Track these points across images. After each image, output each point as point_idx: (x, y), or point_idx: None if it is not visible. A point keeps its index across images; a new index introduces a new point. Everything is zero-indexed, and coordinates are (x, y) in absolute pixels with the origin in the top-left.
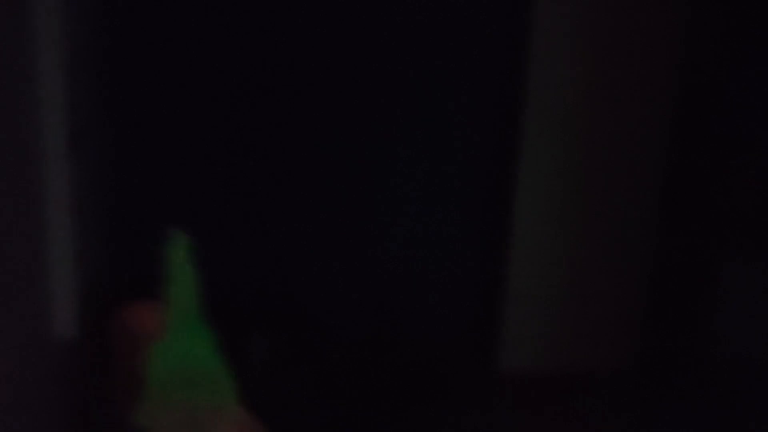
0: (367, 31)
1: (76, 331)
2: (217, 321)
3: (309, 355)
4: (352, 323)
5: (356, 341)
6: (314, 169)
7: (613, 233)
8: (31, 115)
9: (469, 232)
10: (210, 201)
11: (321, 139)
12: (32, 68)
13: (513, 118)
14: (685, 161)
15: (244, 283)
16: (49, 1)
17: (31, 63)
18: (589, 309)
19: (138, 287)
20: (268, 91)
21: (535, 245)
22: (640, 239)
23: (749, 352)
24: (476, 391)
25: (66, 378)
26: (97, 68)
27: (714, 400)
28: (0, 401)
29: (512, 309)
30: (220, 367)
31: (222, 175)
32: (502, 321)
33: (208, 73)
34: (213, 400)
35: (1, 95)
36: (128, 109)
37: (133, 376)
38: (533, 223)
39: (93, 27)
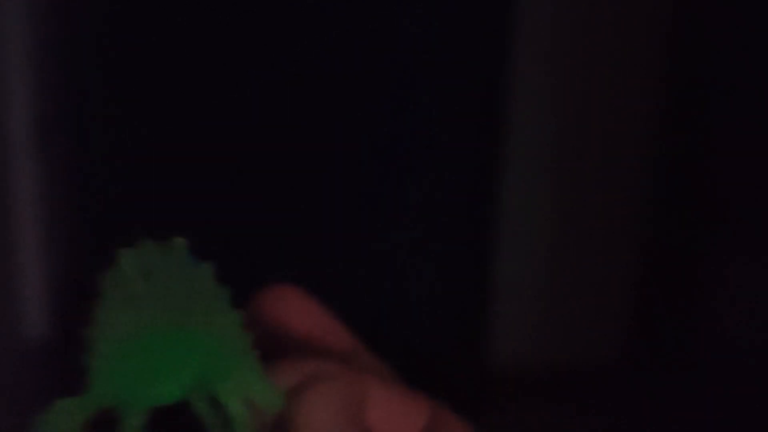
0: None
1: (48, 331)
2: None
3: None
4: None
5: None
6: (299, 171)
7: (603, 228)
8: None
9: (456, 229)
10: (190, 197)
11: (302, 141)
12: None
13: (499, 113)
14: (674, 155)
15: (227, 278)
16: None
17: None
18: (578, 304)
19: None
20: (248, 87)
21: (523, 240)
22: (629, 234)
23: (741, 347)
24: (465, 387)
25: (38, 379)
26: (69, 61)
27: (704, 396)
28: None
29: (501, 304)
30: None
31: (203, 170)
32: (491, 316)
33: (186, 62)
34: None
35: None
36: (102, 102)
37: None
38: (521, 218)
39: (64, 18)
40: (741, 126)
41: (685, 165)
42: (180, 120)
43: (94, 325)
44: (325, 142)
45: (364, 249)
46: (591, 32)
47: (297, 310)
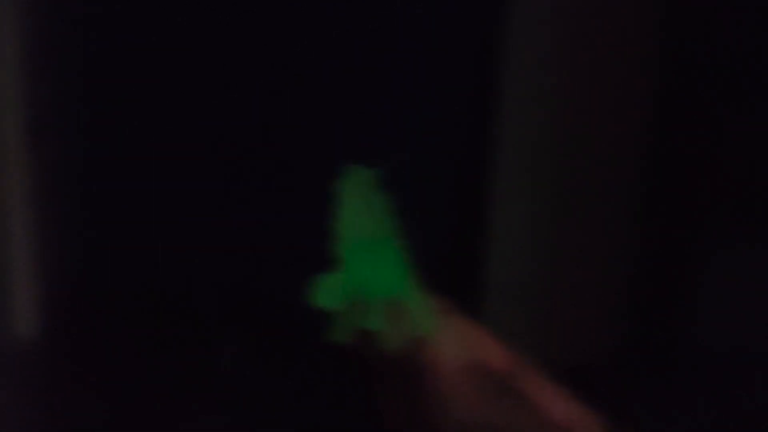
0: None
1: (39, 331)
2: (186, 320)
3: (284, 355)
4: (327, 320)
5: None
6: (288, 166)
7: (597, 228)
8: None
9: (447, 229)
10: (183, 197)
11: (296, 140)
12: None
13: (490, 110)
14: (668, 154)
15: (217, 280)
16: None
17: None
18: (571, 304)
19: (107, 285)
20: (242, 87)
21: (514, 237)
22: (622, 232)
23: (734, 346)
24: None
25: (29, 379)
26: (62, 60)
27: (697, 394)
28: None
29: (492, 301)
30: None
31: (195, 169)
32: (482, 316)
33: (177, 64)
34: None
35: None
36: (94, 104)
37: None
38: (513, 218)
39: (56, 22)
40: (737, 127)
41: (680, 166)
42: (172, 120)
43: (338, 222)
44: (317, 141)
45: None
46: (585, 31)
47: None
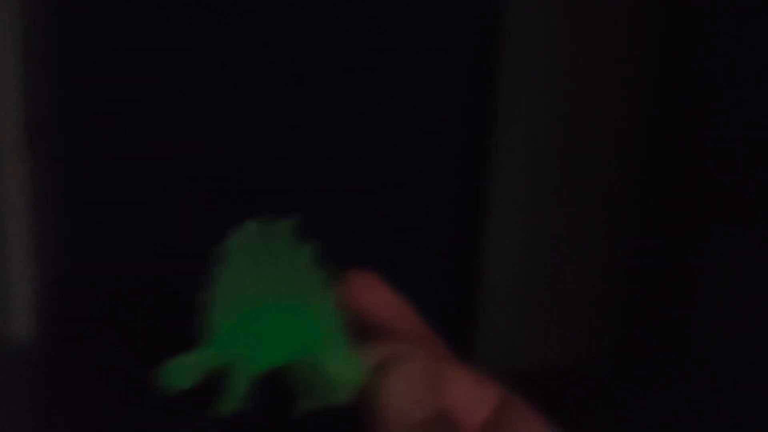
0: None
1: (36, 334)
2: (187, 322)
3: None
4: None
5: None
6: (287, 166)
7: (592, 228)
8: None
9: (444, 229)
10: (184, 199)
11: (292, 140)
12: None
13: (487, 113)
14: (665, 155)
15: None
16: None
17: None
18: (567, 309)
19: (106, 287)
20: (238, 88)
21: (511, 240)
22: (619, 235)
23: (731, 351)
24: None
25: (27, 380)
26: (60, 61)
27: (693, 399)
28: None
29: (488, 306)
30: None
31: (197, 170)
32: (479, 318)
33: (175, 64)
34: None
35: None
36: (91, 106)
37: None
38: (509, 221)
39: (53, 22)
40: (734, 127)
41: (676, 167)
42: (170, 122)
43: (214, 289)
44: (314, 142)
45: (349, 251)
46: (581, 30)
47: (376, 296)
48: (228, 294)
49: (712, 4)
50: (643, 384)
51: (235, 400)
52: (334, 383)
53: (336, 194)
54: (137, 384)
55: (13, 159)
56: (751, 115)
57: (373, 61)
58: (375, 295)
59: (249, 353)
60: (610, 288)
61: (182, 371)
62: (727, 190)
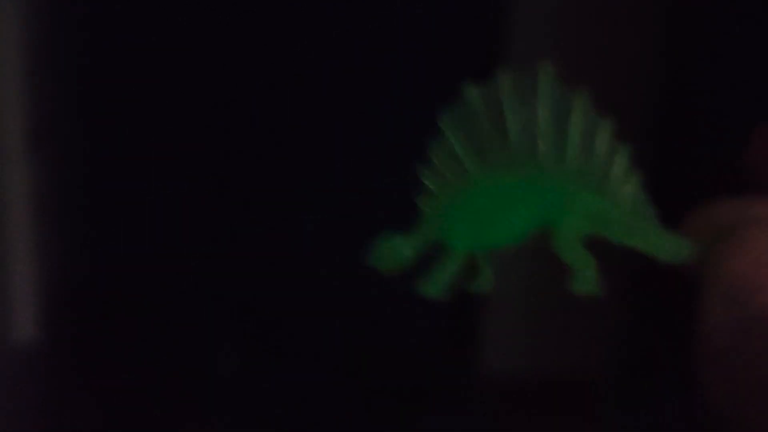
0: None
1: (38, 336)
2: (188, 322)
3: (285, 365)
4: (328, 330)
5: (333, 348)
6: (288, 175)
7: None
8: None
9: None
10: (185, 200)
11: (292, 144)
12: None
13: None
14: (665, 156)
15: (217, 290)
16: None
17: None
18: (568, 314)
19: (107, 287)
20: (242, 90)
21: (512, 249)
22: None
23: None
24: (456, 397)
25: (30, 382)
26: (62, 65)
27: (694, 406)
28: None
29: (492, 313)
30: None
31: (199, 171)
32: (482, 325)
33: (177, 68)
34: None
35: None
36: (94, 110)
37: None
38: None
39: (56, 22)
40: (734, 130)
41: (678, 168)
42: (173, 125)
43: (433, 163)
44: (314, 142)
45: (352, 258)
46: (581, 30)
47: None
48: (449, 166)
49: (712, 4)
50: (647, 391)
51: (442, 283)
52: (581, 261)
53: (336, 194)
54: (142, 383)
55: (16, 162)
56: (752, 115)
57: (373, 61)
58: None
59: (466, 233)
60: (614, 292)
61: (394, 251)
62: (729, 190)
